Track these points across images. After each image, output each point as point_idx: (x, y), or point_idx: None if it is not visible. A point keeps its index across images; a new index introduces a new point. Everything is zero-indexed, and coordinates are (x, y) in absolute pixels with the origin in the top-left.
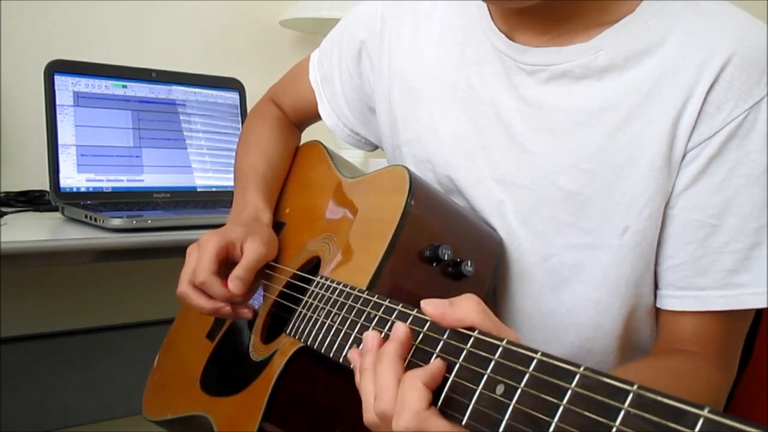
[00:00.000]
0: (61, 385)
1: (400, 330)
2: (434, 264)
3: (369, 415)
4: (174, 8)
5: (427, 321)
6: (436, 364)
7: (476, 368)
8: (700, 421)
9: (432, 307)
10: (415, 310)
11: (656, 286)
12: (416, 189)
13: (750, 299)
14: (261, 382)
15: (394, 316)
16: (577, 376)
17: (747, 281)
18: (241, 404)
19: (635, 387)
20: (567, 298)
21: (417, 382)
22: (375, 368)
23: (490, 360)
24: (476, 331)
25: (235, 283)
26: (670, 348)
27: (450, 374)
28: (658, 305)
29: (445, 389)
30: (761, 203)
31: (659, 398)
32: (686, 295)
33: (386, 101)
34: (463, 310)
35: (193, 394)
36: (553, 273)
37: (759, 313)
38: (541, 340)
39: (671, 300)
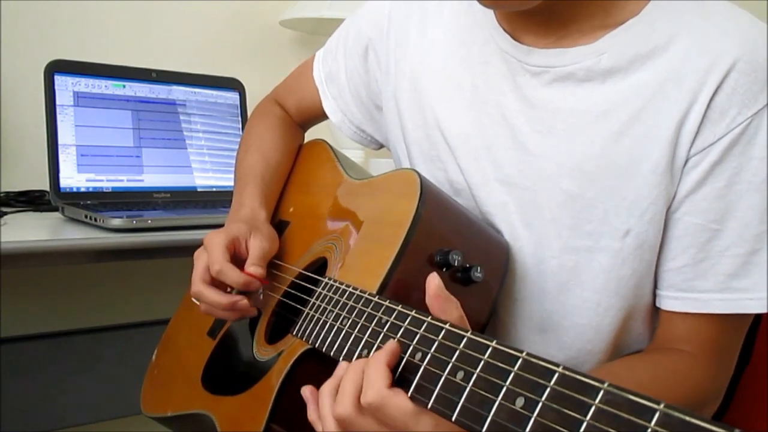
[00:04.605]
0: (61, 385)
1: (391, 344)
2: (444, 269)
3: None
4: (174, 8)
5: (442, 329)
6: (391, 344)
7: (495, 379)
8: None
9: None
10: (429, 317)
11: (656, 286)
12: (427, 193)
13: (750, 304)
14: (266, 383)
15: (407, 322)
16: (601, 392)
17: (747, 286)
18: (246, 404)
19: (662, 405)
20: (567, 301)
21: (379, 363)
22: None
23: (510, 372)
24: (494, 342)
25: (254, 268)
26: (661, 346)
27: (468, 383)
28: (657, 305)
29: (462, 399)
30: (762, 209)
31: (687, 418)
32: (687, 297)
33: (393, 100)
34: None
35: (194, 392)
36: (553, 275)
37: (758, 314)
38: (541, 342)
39: (671, 301)
